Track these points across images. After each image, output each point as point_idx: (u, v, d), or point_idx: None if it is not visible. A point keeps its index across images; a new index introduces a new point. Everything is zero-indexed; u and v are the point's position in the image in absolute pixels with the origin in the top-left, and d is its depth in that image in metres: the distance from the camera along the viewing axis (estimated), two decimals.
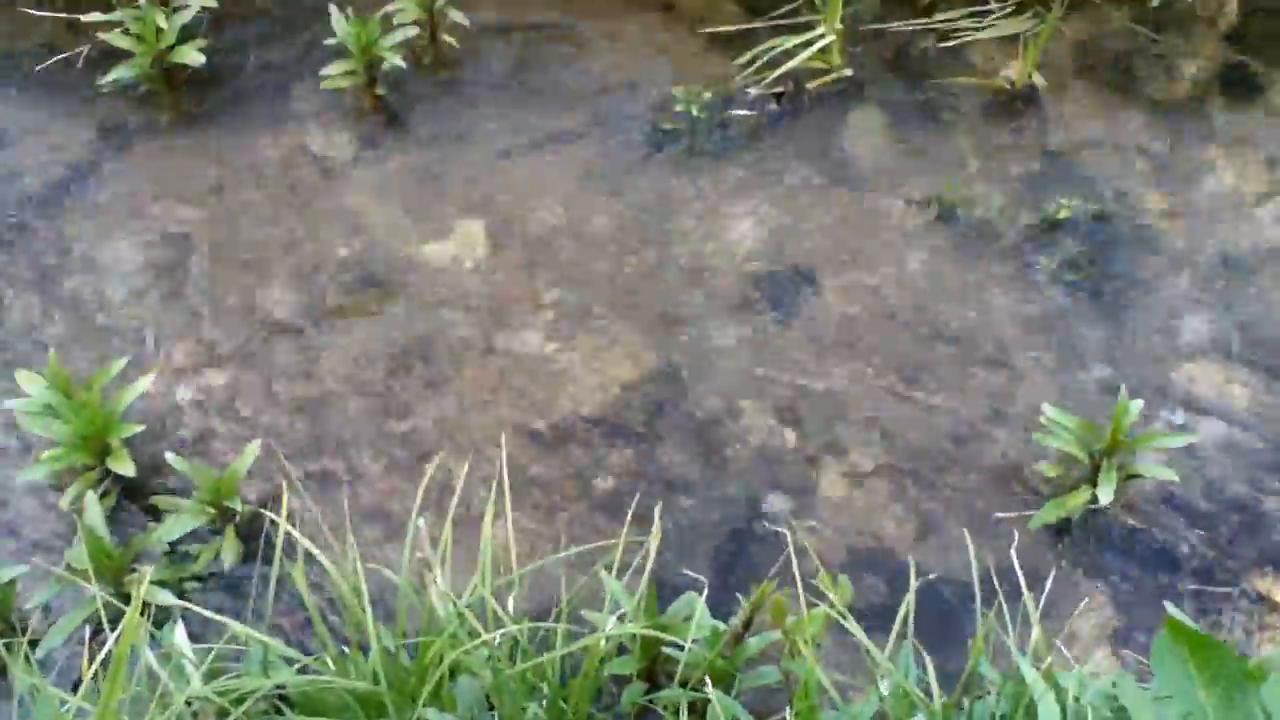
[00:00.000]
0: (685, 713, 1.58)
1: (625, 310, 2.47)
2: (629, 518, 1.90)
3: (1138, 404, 2.14)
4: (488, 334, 2.43)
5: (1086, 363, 2.41)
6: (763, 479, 2.24)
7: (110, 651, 1.38)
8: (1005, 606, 1.68)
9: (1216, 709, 1.29)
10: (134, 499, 2.17)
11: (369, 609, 1.45)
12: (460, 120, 2.81)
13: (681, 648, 1.61)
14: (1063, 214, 2.62)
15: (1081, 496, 2.15)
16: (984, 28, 2.91)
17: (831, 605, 1.66)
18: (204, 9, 2.81)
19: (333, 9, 2.72)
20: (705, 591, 1.84)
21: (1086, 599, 2.08)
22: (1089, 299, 2.51)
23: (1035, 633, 1.55)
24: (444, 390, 2.34)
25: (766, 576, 1.82)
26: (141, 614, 1.83)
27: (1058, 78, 2.90)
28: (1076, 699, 1.38)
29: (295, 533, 1.60)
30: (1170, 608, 1.89)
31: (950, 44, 2.93)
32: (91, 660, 1.52)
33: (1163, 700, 1.34)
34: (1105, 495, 2.09)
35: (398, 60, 2.72)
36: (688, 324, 2.46)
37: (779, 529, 2.13)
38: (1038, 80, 2.85)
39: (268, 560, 2.01)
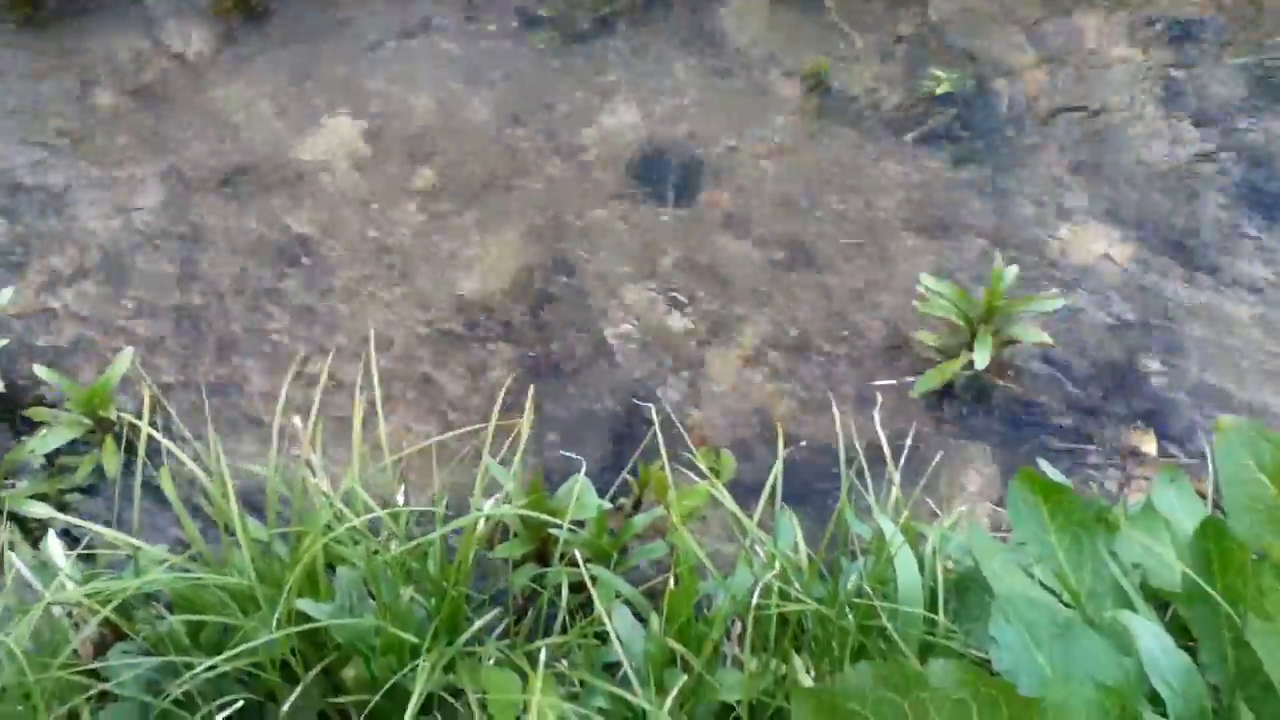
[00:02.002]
0: (566, 590, 1.60)
1: (508, 200, 2.43)
2: (516, 406, 1.90)
3: (1013, 270, 2.18)
4: (366, 229, 2.38)
5: (968, 232, 2.44)
6: (653, 362, 2.25)
7: None
8: (889, 472, 1.72)
9: (1066, 551, 1.34)
10: (7, 414, 2.11)
11: (234, 503, 1.44)
12: (326, 12, 2.71)
13: (562, 528, 1.62)
14: (940, 87, 2.62)
15: (959, 362, 2.19)
16: None
17: (710, 480, 1.68)
18: None
19: None
20: (592, 472, 1.85)
21: (968, 462, 2.14)
22: (968, 169, 2.53)
23: (894, 492, 1.59)
24: (326, 287, 2.29)
25: (657, 456, 1.84)
26: (20, 528, 1.81)
27: None
28: (936, 551, 1.42)
29: (159, 436, 1.56)
30: (1043, 464, 1.96)
31: None
32: None
33: (1017, 547, 1.39)
34: (981, 360, 2.14)
35: None
36: (573, 211, 2.43)
37: (669, 410, 2.15)
38: None
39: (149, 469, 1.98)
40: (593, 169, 2.49)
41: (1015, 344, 2.24)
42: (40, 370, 2.04)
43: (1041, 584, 1.34)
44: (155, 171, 2.43)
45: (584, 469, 1.73)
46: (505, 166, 2.48)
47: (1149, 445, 2.18)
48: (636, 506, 1.99)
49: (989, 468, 2.15)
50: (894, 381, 2.22)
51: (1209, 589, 1.22)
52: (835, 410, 1.83)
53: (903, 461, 1.72)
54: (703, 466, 1.66)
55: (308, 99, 2.56)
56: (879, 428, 1.72)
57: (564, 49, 2.67)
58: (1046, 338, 2.19)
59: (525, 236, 2.39)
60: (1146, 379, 2.24)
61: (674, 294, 2.33)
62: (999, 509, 2.07)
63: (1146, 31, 2.77)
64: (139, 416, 2.03)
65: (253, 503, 1.92)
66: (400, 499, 1.84)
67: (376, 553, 1.51)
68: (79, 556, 1.72)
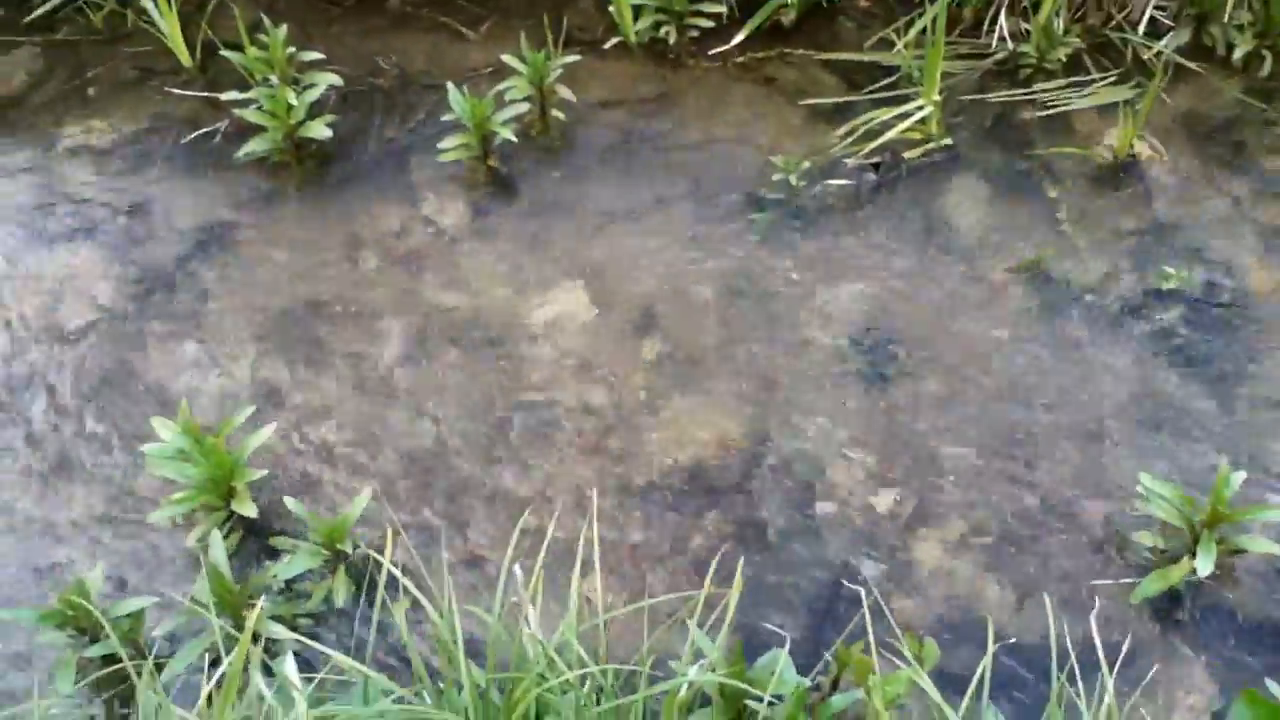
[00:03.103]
0: None
1: (723, 372, 2.54)
2: (721, 573, 1.95)
3: (1239, 475, 2.11)
4: (588, 391, 2.52)
5: (1191, 435, 2.37)
6: (857, 541, 2.26)
7: (224, 676, 1.48)
8: (1101, 677, 1.67)
9: None
10: (256, 539, 2.30)
11: (461, 647, 1.53)
12: (567, 189, 2.94)
13: (762, 700, 1.64)
14: (1167, 284, 2.60)
15: (1183, 569, 2.11)
16: (1085, 95, 2.92)
17: (913, 667, 1.68)
18: (331, 87, 3.06)
19: (450, 87, 2.90)
20: (791, 647, 1.87)
21: (1188, 674, 2.04)
22: (1193, 370, 2.48)
23: (1107, 699, 1.54)
24: (546, 444, 2.43)
25: (858, 637, 1.84)
26: (256, 645, 1.96)
27: (1163, 147, 2.89)
28: None
29: (399, 574, 1.69)
30: (1273, 685, 1.85)
31: (1050, 113, 2.95)
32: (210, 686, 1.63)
33: None
34: (1204, 567, 2.06)
35: (509, 134, 2.88)
36: (785, 388, 2.51)
37: (873, 590, 2.15)
38: (1140, 149, 2.85)
39: (375, 600, 2.12)
40: (807, 346, 2.57)
41: (1243, 553, 2.15)
42: (289, 502, 2.23)
43: None
44: (402, 327, 2.66)
45: (787, 646, 1.75)
46: (722, 339, 2.59)
47: None
48: (834, 687, 1.99)
49: (1209, 683, 2.04)
50: (1111, 582, 2.16)
51: None
52: (1048, 606, 1.79)
53: (1117, 667, 1.67)
54: (907, 653, 1.66)
55: (542, 267, 2.76)
56: (1095, 630, 1.68)
57: (785, 229, 2.80)
58: (1277, 549, 2.09)
59: (738, 407, 2.47)
60: None
61: (882, 473, 2.35)
62: None
63: None
64: (372, 550, 2.19)
65: (472, 636, 2.02)
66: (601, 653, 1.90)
67: (585, 706, 1.57)
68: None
